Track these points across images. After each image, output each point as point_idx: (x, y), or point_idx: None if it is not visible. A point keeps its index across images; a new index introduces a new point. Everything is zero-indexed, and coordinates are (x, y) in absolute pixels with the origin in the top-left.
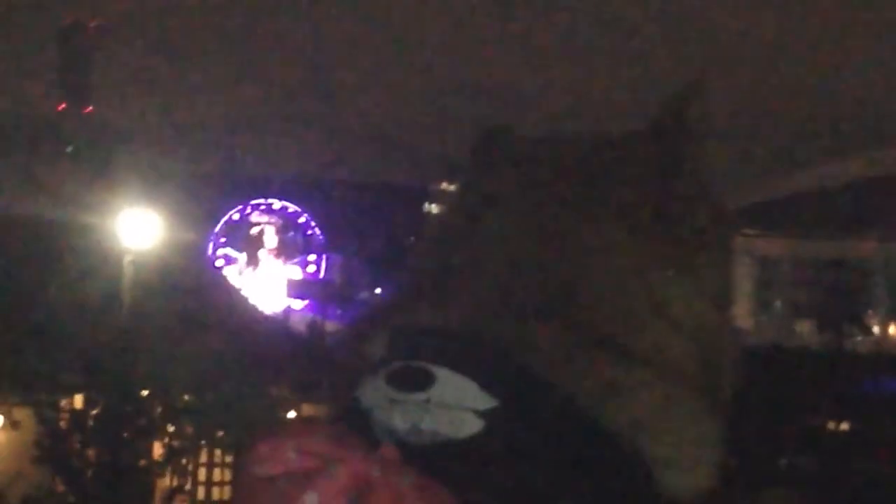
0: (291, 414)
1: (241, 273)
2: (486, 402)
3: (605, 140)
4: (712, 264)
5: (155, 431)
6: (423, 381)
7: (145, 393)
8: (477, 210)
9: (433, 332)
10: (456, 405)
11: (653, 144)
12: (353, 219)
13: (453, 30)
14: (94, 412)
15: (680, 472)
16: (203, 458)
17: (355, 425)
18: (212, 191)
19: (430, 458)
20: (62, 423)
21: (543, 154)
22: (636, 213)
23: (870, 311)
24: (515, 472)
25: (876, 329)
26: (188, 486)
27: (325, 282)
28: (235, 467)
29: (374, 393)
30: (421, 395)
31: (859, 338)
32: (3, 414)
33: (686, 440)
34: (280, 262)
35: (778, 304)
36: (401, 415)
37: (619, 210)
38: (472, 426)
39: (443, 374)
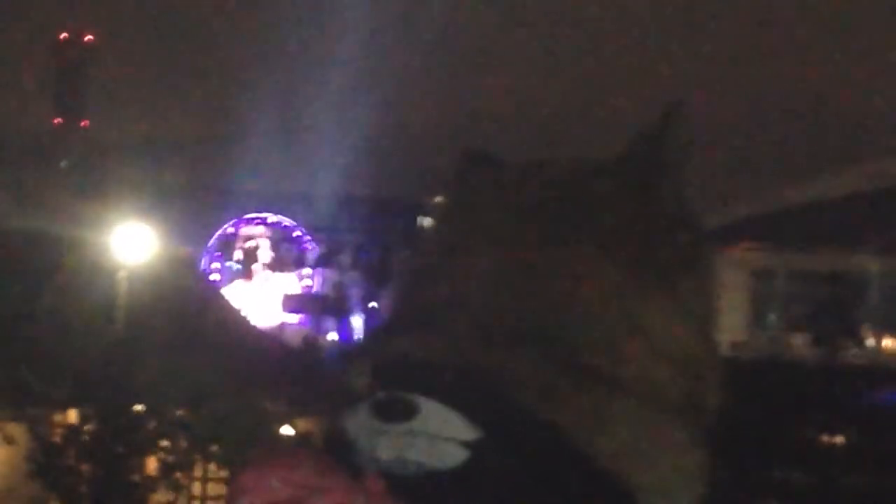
0: (286, 429)
1: (235, 287)
2: (470, 432)
3: (584, 165)
4: (695, 289)
5: (149, 446)
6: (407, 412)
7: (139, 408)
8: (458, 240)
9: (417, 364)
10: (440, 436)
11: (632, 170)
12: (347, 233)
13: (451, 45)
14: (88, 427)
15: (664, 501)
16: (197, 472)
17: (340, 455)
18: (206, 205)
19: (414, 488)
20: (56, 439)
21: (522, 181)
22: (616, 240)
23: (865, 324)
24: (500, 502)
25: (871, 342)
26: (182, 502)
27: (320, 296)
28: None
29: (359, 423)
30: (405, 426)
31: (854, 351)
32: None
33: (670, 469)
34: (275, 276)
35: (773, 316)
36: (385, 445)
37: (600, 237)
38: (456, 456)
39: (427, 404)
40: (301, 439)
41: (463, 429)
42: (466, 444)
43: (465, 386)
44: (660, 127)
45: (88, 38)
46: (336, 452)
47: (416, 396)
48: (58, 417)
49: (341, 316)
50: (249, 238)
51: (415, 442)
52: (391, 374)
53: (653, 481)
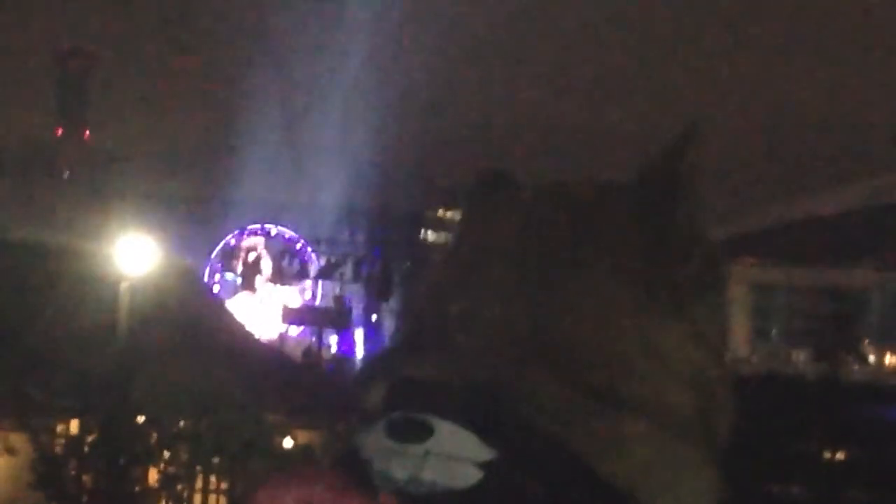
0: (287, 440)
1: (237, 299)
2: (485, 453)
3: (600, 186)
4: (708, 310)
5: (151, 457)
6: (422, 432)
7: (141, 419)
8: (472, 259)
9: (432, 384)
10: (455, 456)
11: (648, 191)
12: (349, 245)
13: (455, 57)
14: (90, 438)
15: None
16: (198, 484)
17: (355, 474)
18: (209, 216)
19: None
20: (58, 449)
21: (538, 201)
22: (631, 261)
23: (866, 340)
24: None
25: (872, 358)
26: None
27: (321, 308)
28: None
29: (373, 443)
30: (420, 446)
31: (855, 366)
32: None
33: (684, 490)
34: (276, 287)
35: (774, 332)
36: (400, 465)
37: (614, 258)
38: (471, 477)
39: (442, 425)
40: (304, 451)
41: (478, 449)
42: (481, 465)
43: (479, 406)
44: (676, 148)
45: (91, 49)
46: (350, 472)
47: (431, 417)
48: (60, 428)
49: (342, 328)
50: (251, 250)
51: (430, 462)
52: (406, 393)
53: (667, 502)
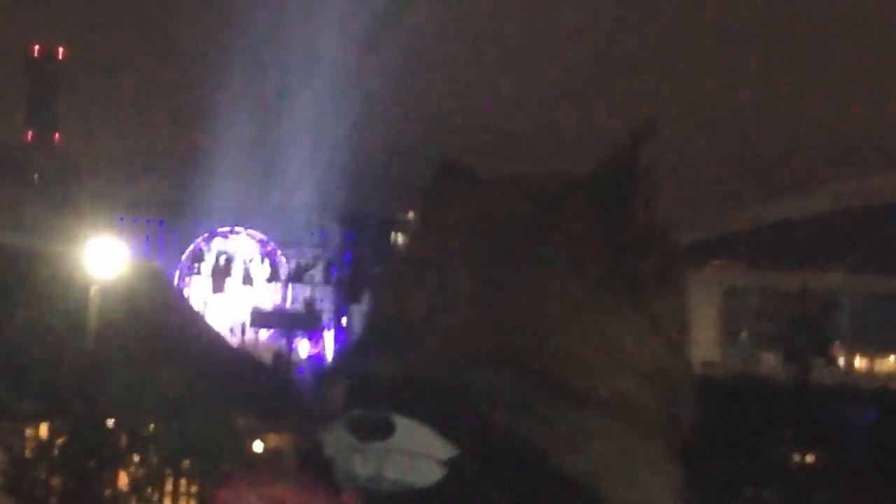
0: (257, 444)
1: (207, 301)
2: (446, 450)
3: (557, 181)
4: (668, 306)
5: (120, 461)
6: (384, 430)
7: (111, 422)
8: (431, 255)
9: (393, 381)
10: (417, 453)
11: (604, 187)
12: (319, 248)
13: (427, 62)
14: (60, 441)
15: None
16: (168, 487)
17: (318, 472)
18: (180, 219)
19: None
20: (27, 453)
21: (496, 194)
22: (588, 255)
23: (836, 343)
24: None
25: (842, 361)
26: None
27: (290, 311)
28: None
29: (335, 441)
30: (382, 444)
31: (825, 369)
32: None
33: (646, 485)
34: (246, 290)
35: (744, 334)
36: (362, 462)
37: (572, 252)
38: (433, 474)
39: (403, 422)
40: (274, 454)
41: (439, 446)
42: (443, 462)
43: (440, 403)
44: (633, 142)
45: (61, 52)
46: (313, 469)
47: (393, 414)
48: (29, 431)
49: (312, 331)
50: (222, 252)
51: (392, 459)
52: (368, 391)
53: (630, 497)
